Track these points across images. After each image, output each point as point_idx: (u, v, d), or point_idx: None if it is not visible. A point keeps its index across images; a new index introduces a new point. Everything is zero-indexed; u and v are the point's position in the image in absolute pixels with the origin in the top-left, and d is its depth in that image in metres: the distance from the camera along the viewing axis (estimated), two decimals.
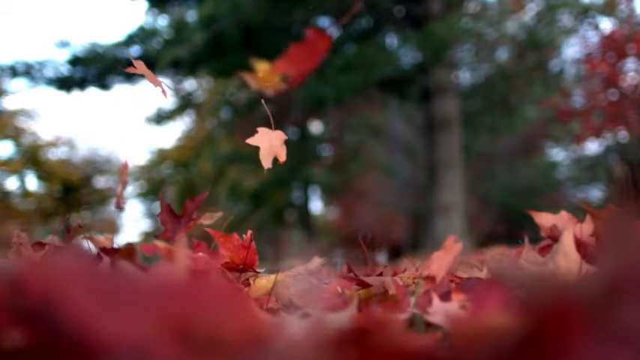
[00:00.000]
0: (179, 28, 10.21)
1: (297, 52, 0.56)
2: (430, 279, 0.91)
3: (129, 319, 0.28)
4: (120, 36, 16.22)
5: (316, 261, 1.15)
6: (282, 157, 0.93)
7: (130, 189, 19.97)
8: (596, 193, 15.28)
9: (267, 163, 0.92)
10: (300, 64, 0.57)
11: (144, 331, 0.27)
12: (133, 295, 0.29)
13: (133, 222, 20.62)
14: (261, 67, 0.56)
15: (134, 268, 0.61)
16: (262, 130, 0.94)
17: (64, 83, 10.71)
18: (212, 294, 0.30)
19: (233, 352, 0.29)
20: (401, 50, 10.54)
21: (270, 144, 0.93)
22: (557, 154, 16.22)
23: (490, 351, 0.29)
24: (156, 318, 0.28)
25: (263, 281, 0.89)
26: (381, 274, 0.94)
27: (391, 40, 11.05)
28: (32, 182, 20.76)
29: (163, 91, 0.90)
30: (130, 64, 0.86)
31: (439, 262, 0.95)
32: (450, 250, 0.95)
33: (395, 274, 1.02)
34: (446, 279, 0.91)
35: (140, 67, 0.87)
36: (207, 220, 1.02)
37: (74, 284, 0.28)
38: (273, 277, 0.88)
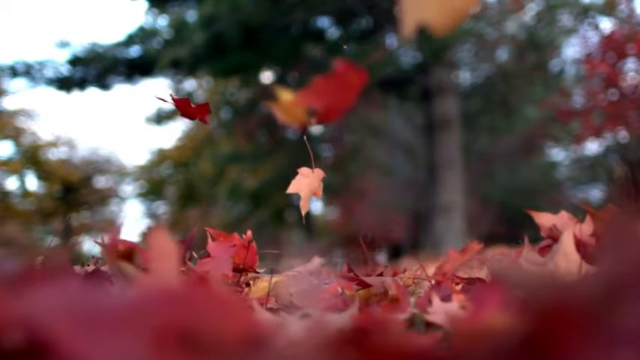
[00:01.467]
0: (179, 28, 10.21)
1: (324, 85, 0.51)
2: (441, 275, 0.91)
3: (120, 342, 0.27)
4: (120, 36, 16.22)
5: (316, 261, 1.15)
6: (319, 193, 0.89)
7: (130, 189, 20.00)
8: (596, 193, 15.26)
9: (305, 208, 0.88)
10: (326, 98, 0.52)
11: (139, 349, 0.27)
12: (122, 316, 0.28)
13: (133, 222, 20.62)
14: (285, 97, 0.51)
15: (134, 270, 0.61)
16: (303, 172, 0.89)
17: (64, 83, 10.72)
18: (208, 298, 0.30)
19: (232, 352, 0.29)
20: (401, 50, 10.55)
21: (310, 188, 0.88)
22: (557, 154, 16.20)
23: (490, 351, 0.29)
24: (149, 333, 0.27)
25: (264, 283, 0.89)
26: (381, 274, 0.94)
27: (391, 40, 11.05)
28: (32, 182, 20.76)
29: (205, 121, 0.87)
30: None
31: (454, 262, 0.95)
32: (468, 252, 0.95)
33: (395, 274, 1.02)
34: (447, 279, 0.91)
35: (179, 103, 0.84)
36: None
37: (61, 319, 0.27)
38: (273, 278, 0.88)
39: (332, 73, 0.51)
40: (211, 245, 0.96)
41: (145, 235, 0.55)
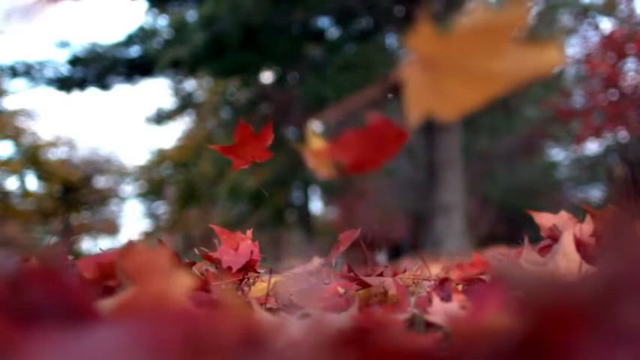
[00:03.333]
0: (179, 28, 10.21)
1: (355, 138, 0.49)
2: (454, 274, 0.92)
3: None
4: (120, 36, 16.22)
5: (316, 261, 1.15)
6: None
7: (130, 189, 20.01)
8: (596, 193, 15.26)
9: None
10: (358, 153, 0.49)
11: None
12: (119, 338, 0.27)
13: (133, 222, 20.62)
14: (316, 143, 0.49)
15: (133, 270, 0.61)
16: (344, 237, 1.02)
17: (64, 83, 10.73)
18: (207, 301, 0.30)
19: (232, 352, 0.29)
20: (401, 50, 10.55)
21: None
22: (557, 154, 16.20)
23: (490, 351, 0.29)
24: (152, 349, 0.27)
25: (264, 283, 0.89)
26: (381, 274, 0.94)
27: (391, 40, 11.05)
28: (32, 182, 20.76)
29: (267, 153, 0.84)
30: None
31: (476, 267, 0.97)
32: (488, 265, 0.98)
33: (395, 274, 1.02)
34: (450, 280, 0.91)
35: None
36: None
37: None
38: (273, 278, 0.88)
39: (366, 127, 0.49)
40: (242, 241, 0.98)
41: (123, 253, 0.50)
